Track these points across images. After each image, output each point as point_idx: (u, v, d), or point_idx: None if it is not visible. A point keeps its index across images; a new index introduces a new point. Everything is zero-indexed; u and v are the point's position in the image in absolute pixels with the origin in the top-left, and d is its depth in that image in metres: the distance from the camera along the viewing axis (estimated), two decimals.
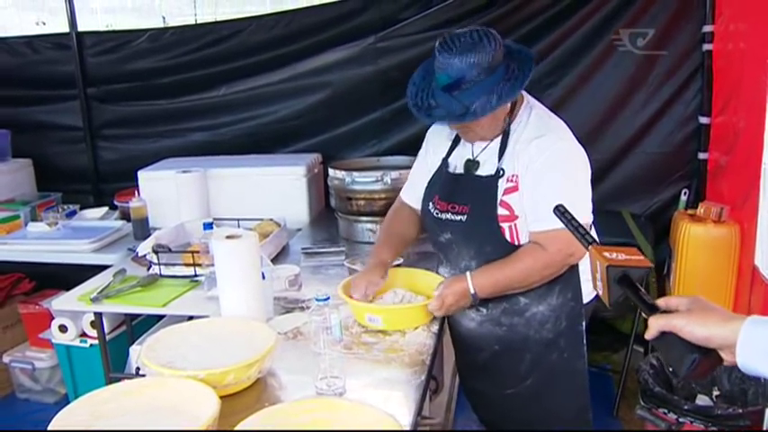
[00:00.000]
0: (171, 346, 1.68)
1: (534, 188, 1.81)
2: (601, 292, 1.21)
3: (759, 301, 2.52)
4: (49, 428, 1.31)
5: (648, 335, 1.11)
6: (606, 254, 1.18)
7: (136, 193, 3.16)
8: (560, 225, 1.74)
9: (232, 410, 1.44)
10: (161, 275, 2.50)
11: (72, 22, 3.72)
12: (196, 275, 2.47)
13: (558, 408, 2.00)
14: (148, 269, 2.54)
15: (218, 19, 3.79)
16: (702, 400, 2.58)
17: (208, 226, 2.63)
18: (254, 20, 3.57)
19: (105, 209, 3.52)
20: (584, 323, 1.96)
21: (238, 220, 2.92)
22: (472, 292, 1.85)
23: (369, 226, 2.82)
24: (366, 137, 3.54)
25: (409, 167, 2.27)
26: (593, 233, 1.71)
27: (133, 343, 2.85)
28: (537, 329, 1.94)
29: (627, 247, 1.21)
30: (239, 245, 1.84)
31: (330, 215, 3.12)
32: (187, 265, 2.50)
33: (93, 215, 3.47)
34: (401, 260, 2.31)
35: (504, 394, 2.03)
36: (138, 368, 2.42)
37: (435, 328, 1.94)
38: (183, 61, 3.64)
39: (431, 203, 2.01)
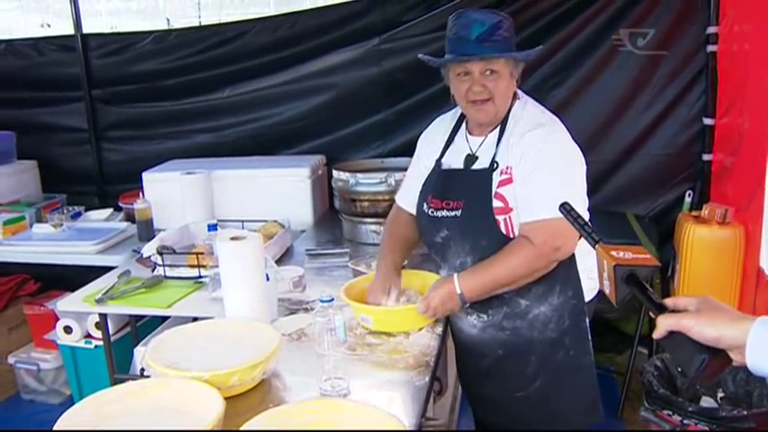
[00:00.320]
0: (175, 348, 1.68)
1: (527, 179, 1.82)
2: (608, 291, 1.19)
3: (764, 303, 2.51)
4: (55, 429, 1.32)
5: (656, 334, 1.10)
6: (614, 253, 1.17)
7: (140, 194, 3.16)
8: (548, 216, 1.76)
9: (236, 411, 1.44)
10: (165, 277, 2.51)
11: (77, 24, 3.73)
12: (200, 277, 2.47)
13: (568, 405, 1.99)
14: (153, 270, 2.54)
15: (223, 21, 3.80)
16: (707, 401, 2.57)
17: (212, 227, 2.63)
18: (258, 22, 3.59)
19: (110, 210, 3.53)
20: (587, 320, 1.97)
21: (242, 221, 2.92)
22: (458, 292, 1.83)
23: (373, 227, 2.82)
24: (370, 138, 3.55)
25: None
26: None
27: (138, 344, 2.85)
28: (541, 330, 1.93)
29: (633, 246, 1.20)
30: (243, 246, 1.84)
31: (334, 216, 3.13)
32: (191, 266, 2.50)
33: (98, 217, 3.47)
34: (405, 262, 2.30)
35: (513, 397, 2.01)
36: (142, 369, 2.42)
37: (439, 329, 1.94)
38: (187, 63, 3.65)
39: (425, 204, 2.00)
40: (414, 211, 2.10)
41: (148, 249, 2.56)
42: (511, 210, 1.85)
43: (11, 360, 3.51)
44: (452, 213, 1.91)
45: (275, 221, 2.86)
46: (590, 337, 1.97)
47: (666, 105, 3.22)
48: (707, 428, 2.33)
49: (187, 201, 3.05)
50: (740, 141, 2.84)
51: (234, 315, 1.87)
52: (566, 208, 1.36)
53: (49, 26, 4.20)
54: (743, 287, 2.76)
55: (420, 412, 1.53)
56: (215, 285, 2.21)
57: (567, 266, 1.89)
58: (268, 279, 1.95)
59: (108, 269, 2.74)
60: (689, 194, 3.22)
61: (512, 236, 1.86)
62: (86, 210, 3.59)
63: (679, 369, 2.59)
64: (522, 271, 1.82)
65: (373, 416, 1.36)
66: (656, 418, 2.43)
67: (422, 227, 2.06)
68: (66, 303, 2.51)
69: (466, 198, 1.90)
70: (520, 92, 1.98)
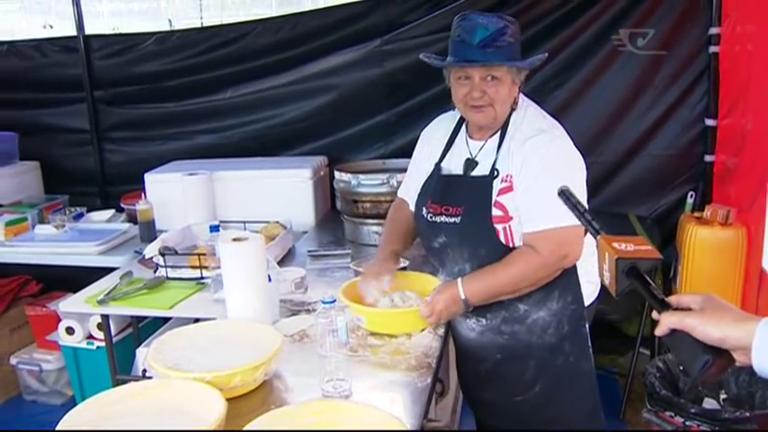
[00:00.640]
0: (177, 349, 1.68)
1: (528, 188, 1.80)
2: (608, 282, 1.18)
3: (767, 305, 2.51)
4: (57, 429, 1.32)
5: (659, 331, 1.09)
6: (615, 244, 1.16)
7: (142, 195, 3.16)
8: (552, 225, 1.74)
9: (238, 413, 1.45)
10: (167, 278, 2.51)
11: (79, 25, 3.74)
12: (202, 278, 2.47)
13: (568, 412, 1.98)
14: (155, 271, 2.54)
15: (225, 22, 3.81)
16: (709, 403, 2.57)
17: (214, 228, 2.63)
18: (259, 23, 3.59)
19: (112, 211, 3.53)
20: (587, 325, 1.95)
21: (244, 222, 2.92)
22: (463, 297, 1.82)
23: (375, 228, 2.82)
24: (372, 139, 3.55)
25: None
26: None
27: (140, 345, 2.86)
28: (539, 335, 1.92)
29: (635, 237, 1.19)
30: (245, 247, 1.84)
31: (336, 218, 3.12)
32: (193, 267, 2.50)
33: (100, 218, 3.47)
34: (407, 263, 2.31)
35: (512, 402, 2.00)
36: (144, 370, 2.43)
37: (441, 330, 1.93)
38: (189, 64, 3.65)
39: (424, 208, 1.99)
40: (413, 208, 2.09)
41: (150, 250, 2.56)
42: (511, 218, 1.83)
43: (13, 361, 3.51)
44: (451, 220, 1.90)
45: (277, 222, 2.86)
46: (590, 344, 1.95)
47: (668, 106, 3.22)
48: (709, 430, 2.33)
49: (189, 202, 3.05)
50: (743, 142, 2.84)
51: (236, 316, 1.88)
52: (565, 194, 1.34)
53: (51, 27, 4.21)
54: (745, 288, 2.76)
55: (422, 413, 1.53)
56: (217, 286, 2.21)
57: (567, 272, 1.86)
58: (270, 280, 1.95)
59: (110, 270, 2.74)
60: (691, 195, 3.21)
61: (511, 245, 1.84)
62: (88, 211, 3.59)
63: (681, 368, 2.58)
64: (526, 280, 1.81)
65: (375, 417, 1.36)
66: (659, 420, 2.43)
67: (420, 231, 2.05)
68: (69, 304, 2.51)
69: (465, 205, 1.88)
70: (522, 96, 1.94)
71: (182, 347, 1.69)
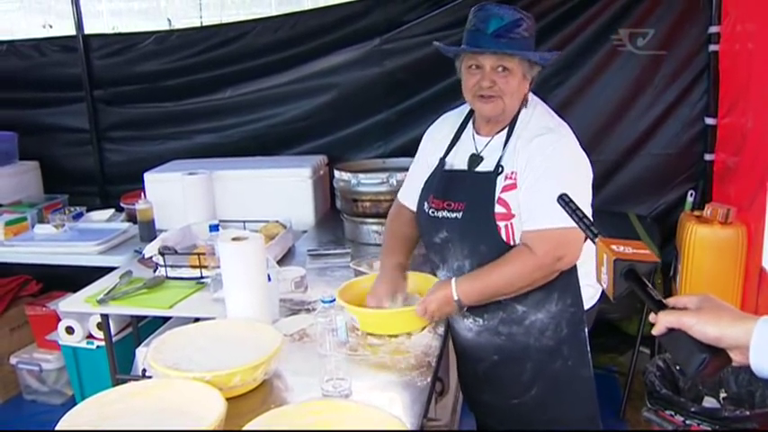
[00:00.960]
0: (177, 348, 1.68)
1: (531, 186, 1.78)
2: (605, 286, 1.18)
3: (766, 303, 2.51)
4: (57, 429, 1.32)
5: (656, 330, 1.09)
6: (614, 247, 1.16)
7: (142, 195, 3.16)
8: (551, 225, 1.73)
9: (238, 412, 1.45)
10: (167, 277, 2.51)
11: (78, 24, 3.73)
12: (202, 277, 2.47)
13: (565, 417, 1.96)
14: (155, 271, 2.54)
15: (224, 21, 3.80)
16: (709, 402, 2.57)
17: (214, 228, 2.63)
18: (259, 22, 3.59)
19: (112, 211, 3.53)
20: (586, 329, 1.93)
21: (244, 221, 2.92)
22: (456, 298, 1.81)
23: (374, 228, 2.82)
24: (372, 138, 3.54)
25: None
26: None
27: (139, 345, 2.86)
28: (537, 338, 1.90)
29: (634, 241, 1.19)
30: (245, 247, 1.84)
31: (336, 217, 3.12)
32: (193, 267, 2.50)
33: (100, 217, 3.47)
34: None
35: (510, 404, 1.99)
36: (144, 370, 2.43)
37: (441, 330, 1.93)
38: (188, 63, 3.65)
39: (426, 203, 1.97)
40: (415, 209, 2.08)
41: (150, 250, 2.56)
42: (513, 216, 1.81)
43: (13, 361, 3.51)
44: (453, 215, 1.88)
45: (277, 222, 2.86)
46: (589, 349, 1.93)
47: (668, 105, 3.21)
48: (709, 429, 2.33)
49: (189, 201, 3.05)
50: (743, 141, 2.84)
51: (235, 316, 1.87)
52: (564, 200, 1.34)
53: (50, 27, 4.20)
54: (745, 287, 2.76)
55: (422, 413, 1.53)
56: (217, 286, 2.21)
57: (567, 274, 1.85)
58: (270, 280, 1.95)
59: (110, 270, 2.74)
60: (691, 194, 3.21)
61: (512, 243, 1.83)
62: (88, 210, 3.59)
63: (677, 367, 2.58)
64: (521, 281, 1.80)
65: (375, 416, 1.36)
66: (659, 419, 2.42)
67: (421, 226, 2.03)
68: (68, 304, 2.51)
69: (468, 200, 1.87)
70: (531, 95, 1.93)
71: (181, 347, 1.69)
